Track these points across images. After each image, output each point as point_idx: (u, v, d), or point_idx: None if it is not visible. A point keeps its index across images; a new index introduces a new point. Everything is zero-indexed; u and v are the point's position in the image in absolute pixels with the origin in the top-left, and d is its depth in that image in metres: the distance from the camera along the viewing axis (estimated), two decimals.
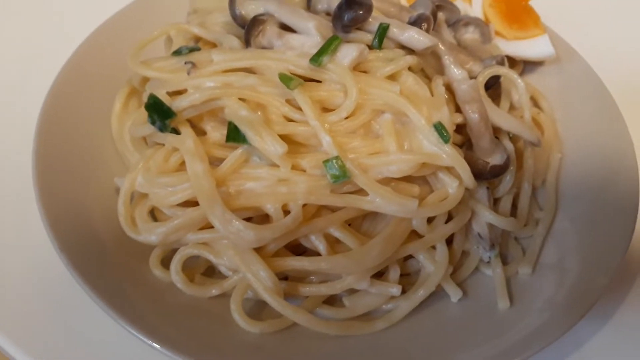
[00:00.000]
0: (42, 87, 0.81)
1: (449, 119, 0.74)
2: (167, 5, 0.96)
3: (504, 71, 0.85)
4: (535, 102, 0.94)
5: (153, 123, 0.73)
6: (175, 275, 0.71)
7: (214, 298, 0.72)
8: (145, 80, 0.82)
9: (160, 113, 0.73)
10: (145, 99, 0.74)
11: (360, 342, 0.70)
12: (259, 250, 0.70)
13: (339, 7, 0.76)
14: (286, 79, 0.71)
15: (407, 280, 0.76)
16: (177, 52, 0.81)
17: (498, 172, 0.78)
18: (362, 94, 0.73)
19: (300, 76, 0.73)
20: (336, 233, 0.71)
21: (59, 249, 0.68)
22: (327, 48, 0.73)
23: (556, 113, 0.93)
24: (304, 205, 0.70)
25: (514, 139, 0.85)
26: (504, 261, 0.79)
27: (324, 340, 0.69)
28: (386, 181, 0.72)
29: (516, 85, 0.86)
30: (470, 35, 0.94)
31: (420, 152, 0.72)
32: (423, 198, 0.74)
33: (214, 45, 0.85)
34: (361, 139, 0.73)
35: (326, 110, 0.74)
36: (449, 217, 0.77)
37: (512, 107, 0.90)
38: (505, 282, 0.75)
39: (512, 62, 0.97)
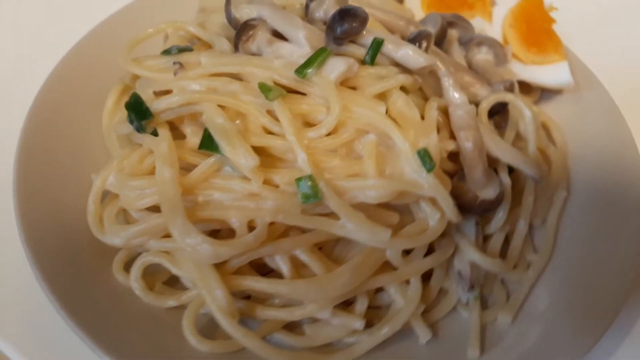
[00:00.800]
0: (37, 83, 0.80)
1: (437, 146, 0.68)
2: (174, 2, 0.95)
3: (510, 98, 0.79)
4: (547, 133, 0.87)
5: (131, 122, 0.72)
6: (134, 281, 0.69)
7: (171, 309, 0.69)
8: (137, 78, 0.81)
9: (138, 113, 0.71)
10: None
11: None
12: (219, 265, 0.67)
13: (333, 18, 0.71)
14: (265, 89, 0.68)
15: (376, 313, 0.71)
16: (167, 52, 0.79)
17: (488, 207, 0.72)
18: (346, 112, 0.68)
19: (285, 87, 0.70)
20: (302, 256, 0.67)
21: (25, 241, 0.68)
22: (314, 60, 0.69)
23: (569, 146, 0.85)
24: (272, 223, 0.66)
25: (517, 172, 0.78)
26: (485, 304, 0.73)
27: None
28: (363, 206, 0.67)
29: (522, 114, 0.79)
30: (483, 55, 0.87)
31: (400, 178, 0.67)
32: (402, 227, 0.69)
33: (210, 46, 0.83)
34: (341, 159, 0.69)
35: (309, 125, 0.70)
36: (430, 250, 0.72)
37: (519, 138, 0.83)
38: (479, 329, 0.69)
39: (529, 88, 0.90)
